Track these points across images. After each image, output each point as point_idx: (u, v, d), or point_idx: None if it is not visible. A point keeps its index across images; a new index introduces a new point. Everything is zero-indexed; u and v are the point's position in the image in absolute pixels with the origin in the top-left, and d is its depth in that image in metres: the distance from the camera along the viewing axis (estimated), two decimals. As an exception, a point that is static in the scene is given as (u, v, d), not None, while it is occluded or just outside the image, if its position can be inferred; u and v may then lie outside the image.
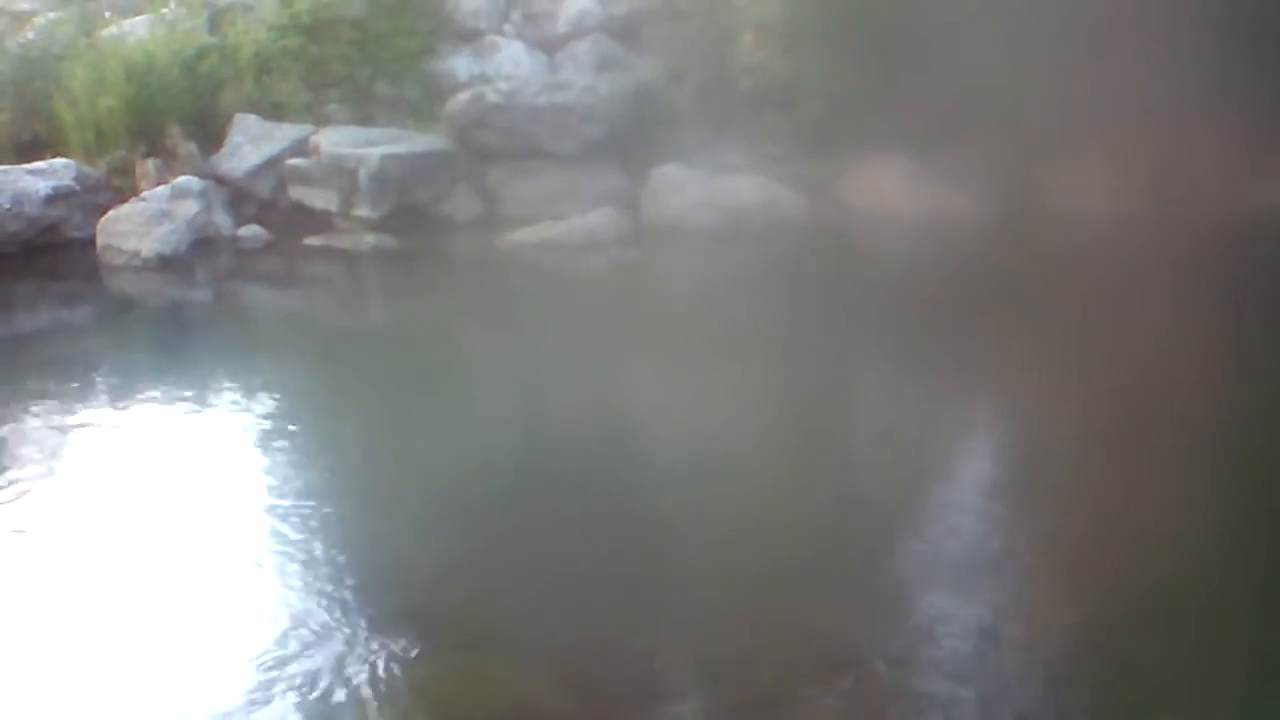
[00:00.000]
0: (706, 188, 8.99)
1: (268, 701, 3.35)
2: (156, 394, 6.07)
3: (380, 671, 3.46)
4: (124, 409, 5.86)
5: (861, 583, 3.94)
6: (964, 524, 4.35)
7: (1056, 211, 7.71)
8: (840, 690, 3.39)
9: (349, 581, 3.98)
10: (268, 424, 5.60)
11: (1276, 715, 3.25)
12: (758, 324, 6.71)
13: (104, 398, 6.15)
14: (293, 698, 3.36)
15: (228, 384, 6.28)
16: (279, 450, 5.28)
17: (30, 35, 10.35)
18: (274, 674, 3.46)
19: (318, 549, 4.21)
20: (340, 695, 3.37)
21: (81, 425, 5.63)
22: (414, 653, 3.54)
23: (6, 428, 5.57)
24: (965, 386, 5.70)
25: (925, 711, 3.27)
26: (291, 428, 5.55)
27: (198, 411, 5.82)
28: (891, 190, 8.59)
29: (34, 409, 5.81)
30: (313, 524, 4.41)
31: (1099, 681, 3.35)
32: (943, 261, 7.40)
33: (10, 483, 4.91)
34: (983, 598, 3.86)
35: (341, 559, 4.15)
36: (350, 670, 3.46)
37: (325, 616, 3.74)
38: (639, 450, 5.11)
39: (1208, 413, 5.01)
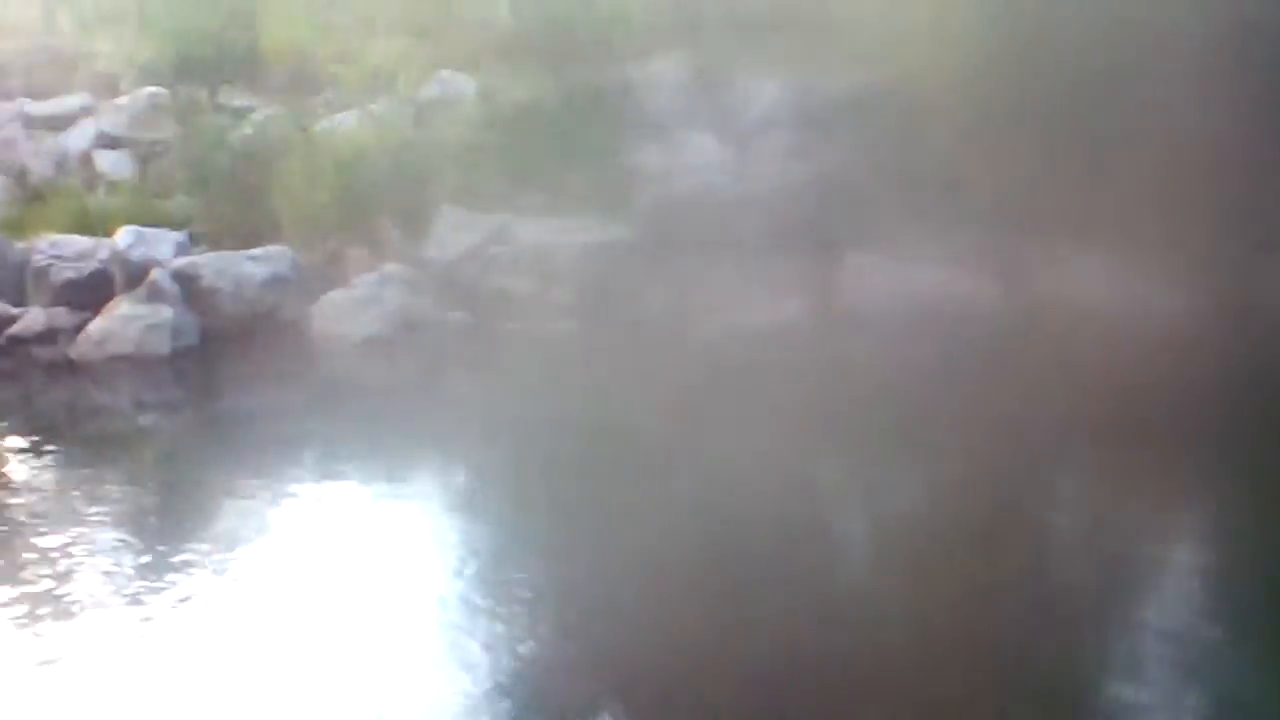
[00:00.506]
0: (896, 276, 9.05)
1: None
2: (355, 470, 6.40)
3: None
4: (328, 485, 6.20)
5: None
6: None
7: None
8: None
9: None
10: (457, 500, 5.88)
11: None
12: (951, 429, 6.63)
13: (310, 475, 6.52)
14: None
15: (422, 462, 6.59)
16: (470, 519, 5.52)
17: (249, 130, 10.98)
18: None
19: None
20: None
21: (286, 499, 5.98)
22: None
23: (213, 499, 5.95)
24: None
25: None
26: (475, 505, 5.81)
27: (390, 487, 6.13)
28: (1089, 279, 8.47)
29: (243, 482, 6.19)
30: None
31: None
32: (1132, 363, 7.12)
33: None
34: None
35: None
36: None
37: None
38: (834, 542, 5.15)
39: None
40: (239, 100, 11.73)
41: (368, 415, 8.05)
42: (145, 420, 8.28)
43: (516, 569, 5.12)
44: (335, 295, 9.29)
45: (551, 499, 6.04)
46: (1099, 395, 6.50)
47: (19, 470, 6.59)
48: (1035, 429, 6.46)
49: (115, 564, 5.17)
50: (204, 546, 5.34)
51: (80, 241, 9.57)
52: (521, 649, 4.31)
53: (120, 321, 8.97)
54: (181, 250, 9.68)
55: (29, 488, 6.33)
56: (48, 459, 6.85)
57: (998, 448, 6.19)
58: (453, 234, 9.78)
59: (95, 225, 9.90)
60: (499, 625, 4.48)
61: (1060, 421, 6.55)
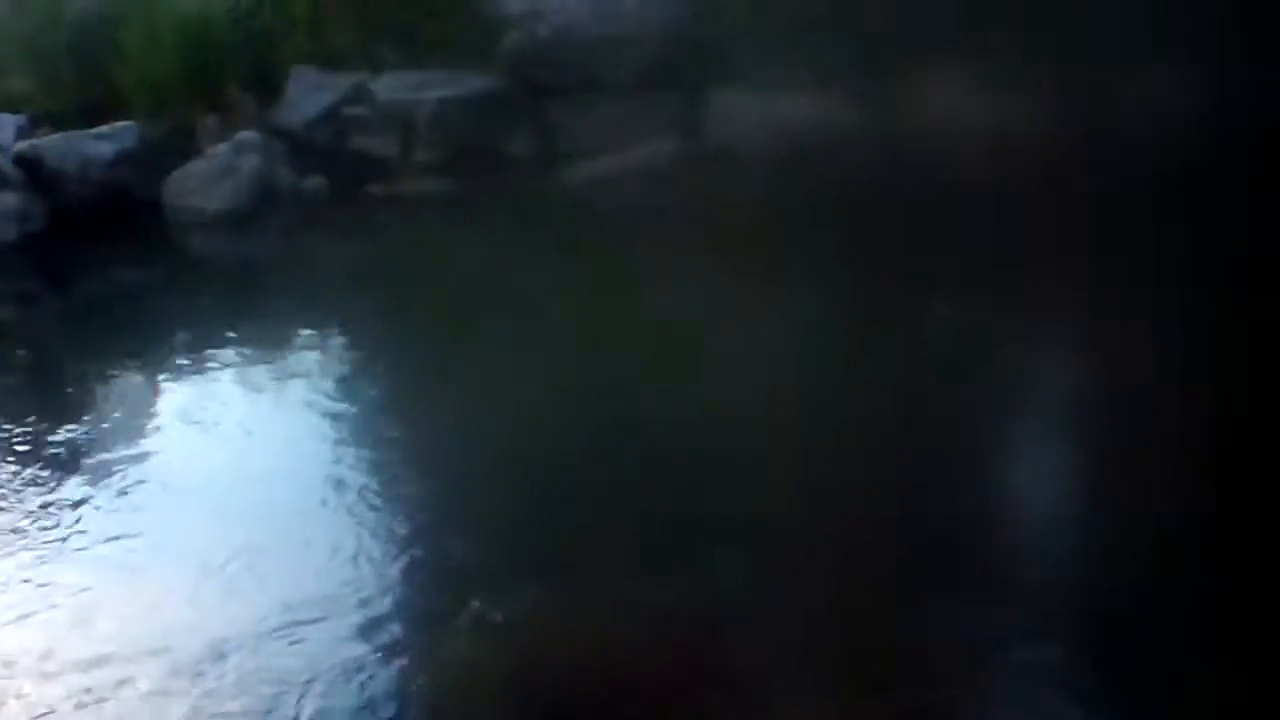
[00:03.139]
0: (767, 110, 8.85)
1: (348, 631, 3.40)
2: (232, 348, 6.15)
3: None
4: (203, 365, 5.94)
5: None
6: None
7: (1124, 117, 7.50)
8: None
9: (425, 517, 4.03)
10: (345, 373, 5.67)
11: None
12: (827, 257, 6.56)
13: (183, 355, 6.24)
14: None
15: (301, 336, 6.35)
16: (349, 395, 5.33)
17: (85, 1, 10.40)
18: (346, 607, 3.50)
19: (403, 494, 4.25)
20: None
21: (163, 382, 5.73)
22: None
23: (89, 386, 5.68)
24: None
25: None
26: (366, 378, 5.61)
27: (278, 363, 5.89)
28: (953, 102, 8.39)
29: (116, 369, 5.92)
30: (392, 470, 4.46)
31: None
32: (994, 179, 7.18)
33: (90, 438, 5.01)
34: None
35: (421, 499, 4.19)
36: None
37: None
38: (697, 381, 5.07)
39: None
40: (73, -30, 11.09)
41: (230, 291, 7.81)
42: (-6, 312, 7.95)
43: (390, 440, 4.97)
44: (188, 168, 8.91)
45: (421, 367, 5.86)
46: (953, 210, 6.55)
47: None
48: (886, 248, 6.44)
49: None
50: (73, 435, 5.11)
51: (-89, 130, 9.09)
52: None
53: (-40, 211, 8.55)
54: (22, 133, 9.22)
55: None
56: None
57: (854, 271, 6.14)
58: (307, 96, 9.39)
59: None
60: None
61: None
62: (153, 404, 5.55)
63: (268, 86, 9.59)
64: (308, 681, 3.23)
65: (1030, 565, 3.64)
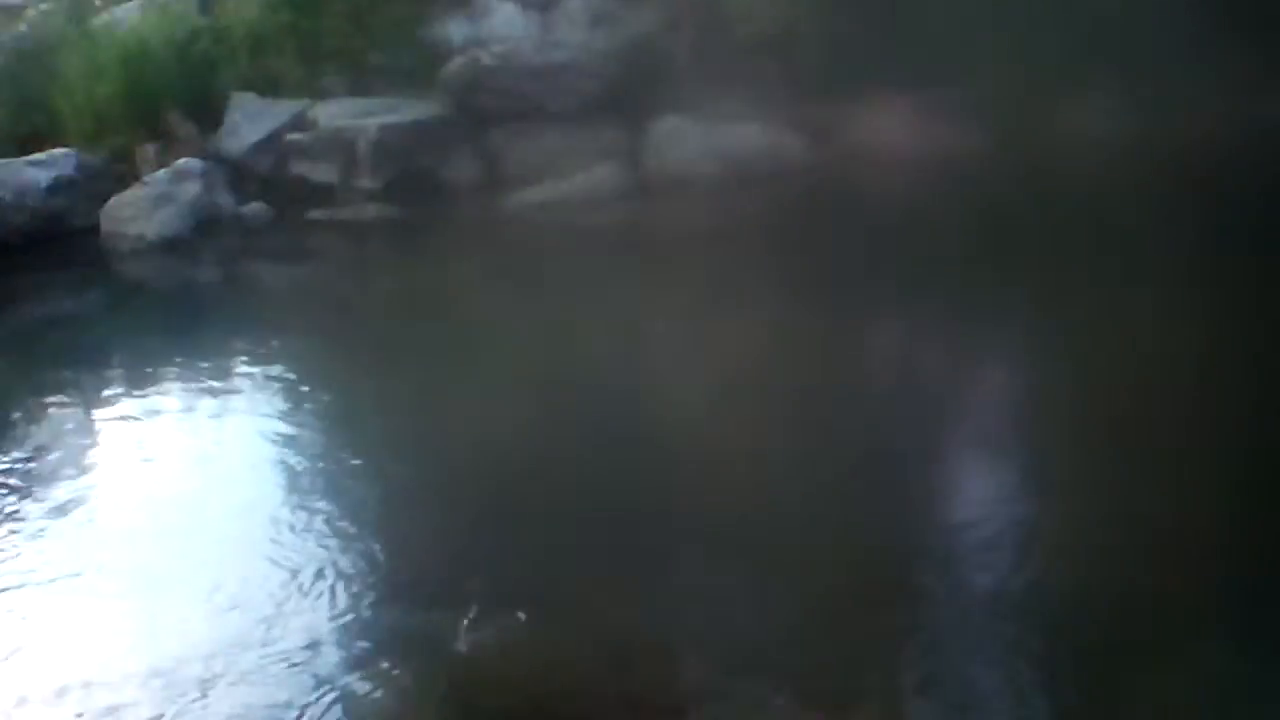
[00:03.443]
0: (708, 138, 8.94)
1: (301, 660, 3.36)
2: (171, 376, 6.04)
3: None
4: (141, 393, 5.84)
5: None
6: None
7: (1060, 141, 7.64)
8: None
9: (376, 546, 3.99)
10: (281, 397, 5.61)
11: None
12: (760, 273, 6.62)
13: (120, 383, 6.14)
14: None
15: (241, 362, 6.25)
16: (294, 422, 5.27)
17: (23, 28, 10.33)
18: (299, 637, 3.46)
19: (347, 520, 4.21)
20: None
21: (100, 409, 5.65)
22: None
23: (26, 415, 5.58)
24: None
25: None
26: (303, 401, 5.56)
27: (213, 392, 5.80)
28: (894, 130, 8.49)
29: (52, 397, 5.82)
30: (338, 495, 4.43)
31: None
32: (945, 201, 7.32)
33: (30, 467, 4.92)
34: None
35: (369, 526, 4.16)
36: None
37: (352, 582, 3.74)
38: (649, 404, 5.08)
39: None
40: (11, -3, 11.03)
41: (166, 317, 7.73)
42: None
43: (322, 463, 4.90)
44: (126, 195, 8.84)
45: (355, 391, 5.81)
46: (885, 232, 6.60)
47: None
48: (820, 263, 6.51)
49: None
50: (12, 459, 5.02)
51: None
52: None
53: (-106, 239, 8.43)
54: (-43, 161, 9.13)
55: None
56: None
57: (797, 290, 6.20)
58: (248, 123, 9.36)
59: None
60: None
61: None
62: (82, 432, 5.46)
63: (208, 113, 9.55)
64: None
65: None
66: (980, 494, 4.16)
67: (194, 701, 3.19)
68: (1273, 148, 7.17)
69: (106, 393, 5.95)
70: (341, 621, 3.52)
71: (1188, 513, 3.69)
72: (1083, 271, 6.01)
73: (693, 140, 8.95)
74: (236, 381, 5.94)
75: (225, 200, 8.97)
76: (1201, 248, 5.90)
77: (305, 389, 5.77)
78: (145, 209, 8.70)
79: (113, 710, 3.19)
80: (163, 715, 3.14)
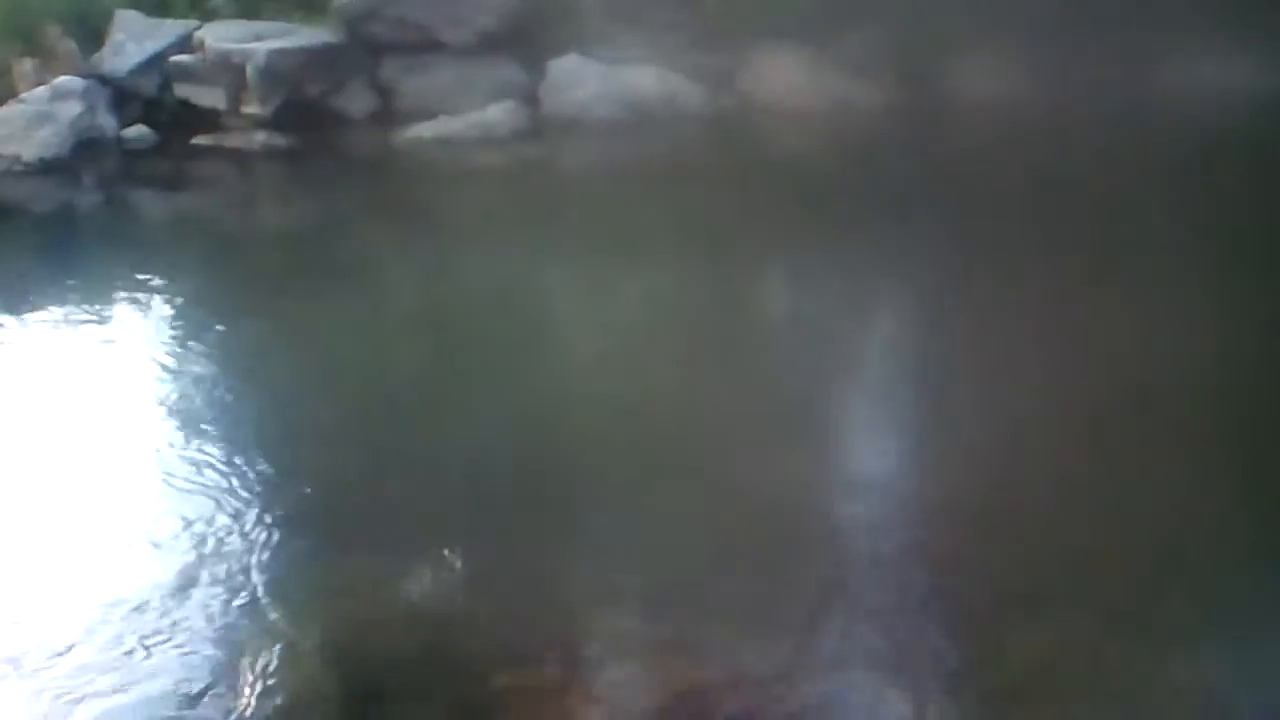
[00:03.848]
0: (606, 80, 8.87)
1: (183, 598, 3.33)
2: (45, 304, 5.88)
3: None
4: (12, 320, 5.69)
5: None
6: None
7: (953, 99, 7.74)
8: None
9: (256, 483, 3.96)
10: (162, 331, 5.52)
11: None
12: (646, 221, 6.61)
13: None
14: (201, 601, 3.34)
15: (119, 292, 6.09)
16: (176, 358, 5.17)
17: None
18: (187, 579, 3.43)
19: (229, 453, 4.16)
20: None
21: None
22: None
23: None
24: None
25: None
26: (185, 335, 5.45)
27: (89, 321, 5.68)
28: (789, 80, 8.53)
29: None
30: (217, 428, 4.37)
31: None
32: (836, 152, 7.39)
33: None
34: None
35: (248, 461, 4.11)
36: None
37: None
38: (525, 343, 5.09)
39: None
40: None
41: (37, 244, 7.50)
42: None
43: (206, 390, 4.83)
44: (2, 113, 8.50)
45: (237, 318, 5.70)
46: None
47: None
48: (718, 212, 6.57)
49: None
50: None
51: None
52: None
53: None
54: None
55: None
56: None
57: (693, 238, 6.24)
58: (132, 42, 9.04)
59: None
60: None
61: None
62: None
63: (91, 31, 9.20)
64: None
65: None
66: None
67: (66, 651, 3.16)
68: (1153, 120, 7.33)
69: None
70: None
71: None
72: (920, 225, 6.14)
73: (591, 81, 8.88)
74: (107, 314, 5.82)
75: (107, 122, 8.69)
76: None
77: (176, 324, 5.66)
78: (21, 128, 8.39)
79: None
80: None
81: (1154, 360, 4.48)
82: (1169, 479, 3.72)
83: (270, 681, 3.00)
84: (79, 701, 2.98)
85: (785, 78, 8.56)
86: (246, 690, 2.98)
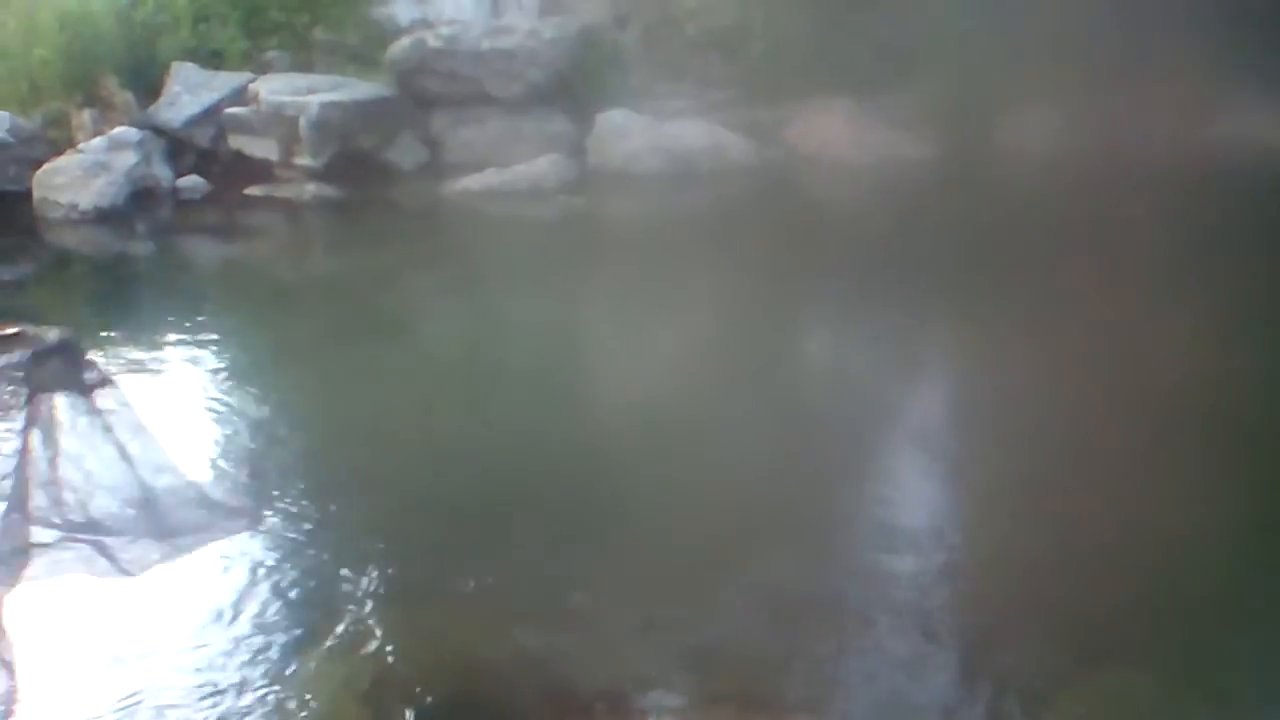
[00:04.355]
0: (652, 133, 8.95)
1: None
2: (93, 350, 5.95)
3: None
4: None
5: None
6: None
7: (1001, 153, 7.73)
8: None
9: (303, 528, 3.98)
10: (217, 377, 5.55)
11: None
12: (697, 272, 6.65)
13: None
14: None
15: (166, 338, 6.16)
16: (228, 402, 5.22)
17: (-41, -16, 10.10)
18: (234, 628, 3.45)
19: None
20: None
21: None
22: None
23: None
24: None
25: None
26: (228, 381, 5.50)
27: (134, 370, 5.73)
28: (836, 134, 8.57)
29: None
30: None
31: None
32: (881, 207, 7.40)
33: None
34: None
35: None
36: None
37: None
38: (581, 399, 5.11)
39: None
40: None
41: (93, 291, 7.61)
42: None
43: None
44: (60, 162, 8.68)
45: (287, 371, 5.76)
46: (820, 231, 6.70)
47: None
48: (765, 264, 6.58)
49: None
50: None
51: None
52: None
53: None
54: (-113, 119, 8.92)
55: None
56: None
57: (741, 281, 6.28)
58: (188, 94, 9.23)
59: None
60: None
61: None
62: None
63: (147, 82, 9.40)
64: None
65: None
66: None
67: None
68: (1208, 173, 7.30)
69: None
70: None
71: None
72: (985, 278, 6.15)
73: (637, 134, 8.96)
74: (159, 358, 5.87)
75: (162, 172, 8.85)
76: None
77: (227, 368, 5.72)
78: (79, 177, 8.55)
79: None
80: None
81: (1223, 407, 4.46)
82: (1222, 529, 3.69)
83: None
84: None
85: (832, 131, 8.60)
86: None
